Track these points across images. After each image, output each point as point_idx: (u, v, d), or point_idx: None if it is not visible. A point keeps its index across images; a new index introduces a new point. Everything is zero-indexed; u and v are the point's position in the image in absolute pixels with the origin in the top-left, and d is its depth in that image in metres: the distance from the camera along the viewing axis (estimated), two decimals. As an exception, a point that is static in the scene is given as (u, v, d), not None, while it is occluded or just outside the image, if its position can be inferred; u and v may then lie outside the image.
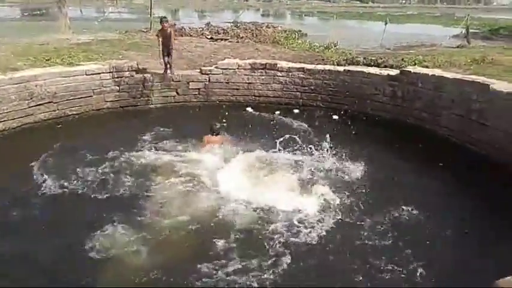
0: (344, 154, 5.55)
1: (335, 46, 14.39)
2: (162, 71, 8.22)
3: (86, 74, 7.28)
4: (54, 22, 17.70)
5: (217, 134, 6.01)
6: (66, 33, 15.50)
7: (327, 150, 5.40)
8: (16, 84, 6.33)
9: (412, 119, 6.83)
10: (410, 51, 13.88)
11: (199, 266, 3.42)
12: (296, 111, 7.85)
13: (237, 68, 8.38)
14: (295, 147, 5.71)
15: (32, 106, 6.57)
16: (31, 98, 6.52)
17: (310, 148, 5.57)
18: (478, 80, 5.70)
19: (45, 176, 4.90)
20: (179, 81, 8.18)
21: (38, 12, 34.66)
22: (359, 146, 6.16)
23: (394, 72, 7.36)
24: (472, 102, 5.69)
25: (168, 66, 8.12)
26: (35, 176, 4.94)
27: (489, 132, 5.44)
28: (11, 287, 3.32)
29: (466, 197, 4.84)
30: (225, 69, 8.37)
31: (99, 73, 7.45)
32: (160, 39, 7.94)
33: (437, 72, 6.73)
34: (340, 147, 5.89)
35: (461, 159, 5.66)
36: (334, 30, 18.02)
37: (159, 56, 8.04)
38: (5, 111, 6.20)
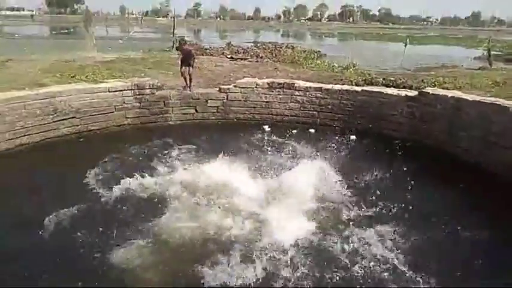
0: (360, 175, 5.52)
1: (354, 66, 14.42)
2: (182, 89, 8.43)
3: (109, 91, 7.50)
4: (80, 41, 18.42)
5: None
6: (92, 51, 16.06)
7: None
8: (41, 99, 6.57)
9: (430, 140, 6.74)
10: (431, 72, 13.78)
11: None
12: (312, 130, 7.85)
13: (255, 87, 8.49)
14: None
15: (56, 121, 6.79)
16: (55, 113, 6.75)
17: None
18: (498, 102, 5.62)
19: (70, 189, 5.02)
20: (198, 99, 8.33)
21: (66, 31, 36.16)
22: (376, 166, 6.12)
23: (412, 93, 7.32)
24: (491, 124, 5.60)
25: (188, 83, 8.38)
26: (60, 187, 5.08)
27: (508, 155, 5.32)
28: (11, 287, 3.40)
29: (484, 217, 4.73)
30: (243, 87, 8.49)
31: (122, 90, 7.66)
32: (180, 56, 8.27)
33: (456, 93, 6.66)
34: (358, 167, 5.90)
35: (480, 181, 5.53)
36: (353, 51, 18.05)
37: (180, 72, 8.43)
38: (30, 125, 6.43)
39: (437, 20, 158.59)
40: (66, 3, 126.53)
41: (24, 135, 6.38)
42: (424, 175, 5.81)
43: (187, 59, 8.31)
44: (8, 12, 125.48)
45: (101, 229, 4.12)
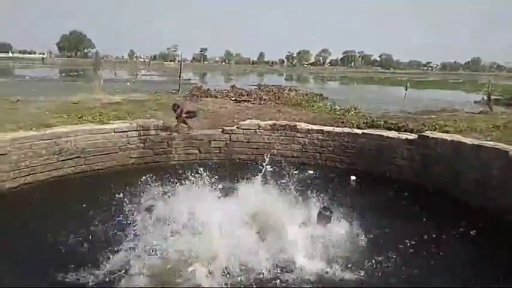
0: (359, 218, 5.47)
1: (355, 109, 14.66)
2: (186, 129, 8.56)
3: (114, 132, 7.66)
4: (89, 83, 18.96)
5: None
6: (100, 93, 16.47)
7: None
8: (47, 139, 6.71)
9: (430, 184, 6.74)
10: (432, 116, 13.97)
11: None
12: (311, 171, 7.88)
13: (258, 129, 8.63)
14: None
15: (61, 160, 6.89)
16: (60, 153, 6.86)
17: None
18: (497, 146, 5.68)
19: (73, 226, 5.01)
20: (202, 139, 8.46)
21: (76, 73, 37.33)
22: (377, 210, 6.10)
23: (412, 136, 7.41)
24: (491, 168, 5.63)
25: (188, 125, 8.64)
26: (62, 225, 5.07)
27: (510, 199, 5.31)
28: (11, 287, 3.33)
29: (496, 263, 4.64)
30: (246, 129, 8.64)
31: (127, 131, 7.82)
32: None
33: (456, 137, 6.74)
34: (358, 211, 5.87)
35: (482, 224, 5.47)
36: (354, 94, 18.42)
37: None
38: (35, 164, 6.53)
39: (437, 65, 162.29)
40: (77, 47, 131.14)
41: (29, 175, 6.46)
42: (428, 218, 5.77)
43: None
44: (21, 55, 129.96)
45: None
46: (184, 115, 8.53)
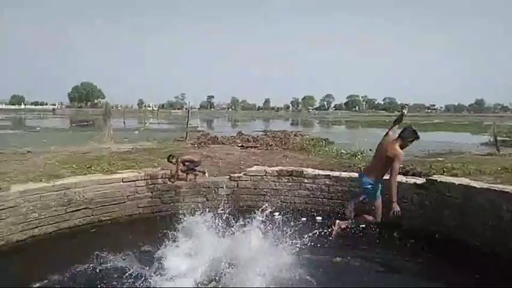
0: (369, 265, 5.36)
1: (362, 153, 14.69)
2: (194, 178, 8.59)
3: (123, 181, 7.72)
4: (98, 132, 19.33)
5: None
6: (108, 142, 16.76)
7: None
8: (57, 191, 6.76)
9: (441, 229, 6.60)
10: (439, 158, 13.92)
11: None
12: (319, 218, 7.78)
13: (265, 175, 8.65)
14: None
15: (69, 212, 6.90)
16: (69, 204, 6.89)
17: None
18: (507, 190, 5.62)
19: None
20: (209, 187, 8.47)
21: (85, 123, 38.16)
22: (386, 256, 5.98)
23: (420, 180, 7.36)
24: (503, 212, 5.53)
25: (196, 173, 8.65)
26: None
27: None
28: (11, 287, 3.20)
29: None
30: (253, 175, 8.66)
31: (135, 180, 7.88)
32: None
33: (465, 181, 6.67)
34: (367, 257, 5.75)
35: (495, 271, 5.31)
36: (360, 138, 18.52)
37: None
38: (44, 216, 6.54)
39: (441, 107, 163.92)
40: (87, 97, 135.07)
41: (37, 227, 6.45)
42: (442, 267, 5.62)
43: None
44: (32, 107, 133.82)
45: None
46: (184, 167, 8.49)
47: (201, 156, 9.52)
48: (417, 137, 5.71)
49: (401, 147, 5.61)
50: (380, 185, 5.80)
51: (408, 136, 5.62)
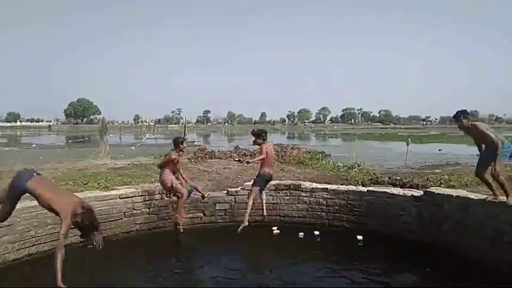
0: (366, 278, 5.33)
1: (358, 166, 14.73)
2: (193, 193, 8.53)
3: (120, 198, 7.66)
4: (94, 148, 19.29)
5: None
6: (105, 158, 16.72)
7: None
8: (54, 208, 6.69)
9: (440, 241, 6.59)
10: (436, 170, 14.01)
11: None
12: (316, 232, 7.76)
13: (263, 190, 8.60)
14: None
15: (66, 229, 6.82)
16: (66, 221, 6.81)
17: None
18: (504, 200, 5.62)
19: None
20: (206, 202, 8.42)
21: (82, 140, 38.06)
22: (385, 270, 5.95)
23: (418, 193, 7.37)
24: (501, 223, 5.53)
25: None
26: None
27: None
28: (11, 287, 3.13)
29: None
30: (250, 190, 8.60)
31: (132, 196, 7.82)
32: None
33: (462, 193, 6.69)
34: (366, 270, 5.72)
35: (495, 284, 5.29)
36: (357, 151, 18.58)
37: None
38: (40, 234, 6.47)
39: (436, 119, 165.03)
40: (83, 113, 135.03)
41: (33, 245, 6.37)
42: (435, 278, 5.61)
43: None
44: (28, 123, 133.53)
45: None
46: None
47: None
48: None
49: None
50: None
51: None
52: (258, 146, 7.87)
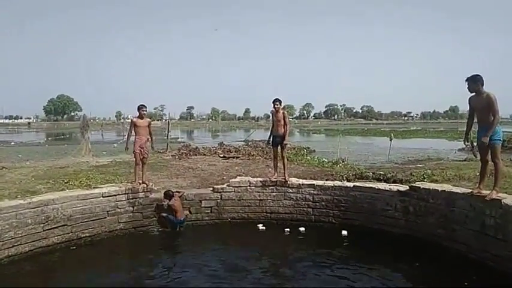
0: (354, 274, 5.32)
1: (343, 161, 14.82)
2: (176, 190, 8.41)
3: (103, 196, 7.47)
4: (75, 146, 18.87)
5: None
6: (87, 156, 16.35)
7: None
8: (34, 208, 6.48)
9: (427, 235, 6.65)
10: (418, 165, 14.18)
11: None
12: (302, 229, 7.75)
13: (249, 186, 8.55)
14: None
15: (46, 229, 6.61)
16: (46, 222, 6.61)
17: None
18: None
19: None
20: (192, 199, 8.31)
21: (62, 137, 37.17)
22: (371, 265, 5.98)
23: (403, 187, 7.42)
24: (486, 217, 5.60)
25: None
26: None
27: (508, 249, 5.24)
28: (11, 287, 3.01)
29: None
30: (237, 187, 8.54)
31: (115, 195, 7.64)
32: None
33: (447, 187, 6.75)
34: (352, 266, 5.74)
35: (480, 277, 5.37)
36: (341, 146, 18.69)
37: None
38: (20, 235, 6.25)
39: (417, 114, 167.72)
40: (64, 110, 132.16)
41: (13, 246, 6.15)
42: (429, 276, 5.65)
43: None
44: (6, 121, 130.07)
45: None
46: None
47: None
48: None
49: None
50: None
51: None
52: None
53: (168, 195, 7.85)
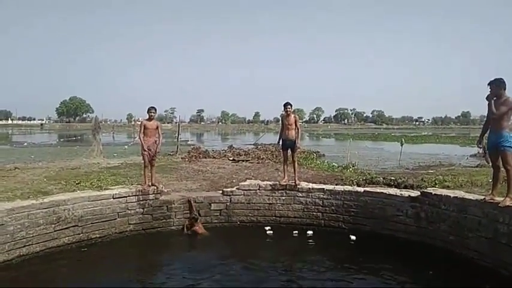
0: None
1: (353, 166, 14.72)
2: (185, 193, 8.43)
3: (113, 198, 7.53)
4: (87, 147, 19.05)
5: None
6: (98, 157, 16.49)
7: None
8: (45, 208, 6.55)
9: (438, 242, 6.56)
10: (429, 171, 14.02)
11: None
12: (310, 232, 7.72)
13: (258, 189, 8.54)
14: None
15: (58, 230, 6.68)
16: (58, 222, 6.68)
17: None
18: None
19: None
20: (201, 202, 8.32)
21: (74, 138, 37.59)
22: (382, 272, 5.91)
23: (415, 193, 7.34)
24: (499, 224, 5.51)
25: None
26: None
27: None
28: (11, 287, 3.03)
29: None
30: (246, 190, 8.54)
31: (126, 196, 7.69)
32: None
33: (459, 193, 6.66)
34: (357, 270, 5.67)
35: (493, 285, 5.27)
36: (351, 151, 18.57)
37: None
38: (31, 235, 6.32)
39: (428, 119, 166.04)
40: (76, 112, 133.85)
41: (25, 246, 6.22)
42: (433, 278, 5.57)
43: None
44: (20, 122, 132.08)
45: None
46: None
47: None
48: None
49: None
50: None
51: None
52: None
53: (195, 219, 7.91)
